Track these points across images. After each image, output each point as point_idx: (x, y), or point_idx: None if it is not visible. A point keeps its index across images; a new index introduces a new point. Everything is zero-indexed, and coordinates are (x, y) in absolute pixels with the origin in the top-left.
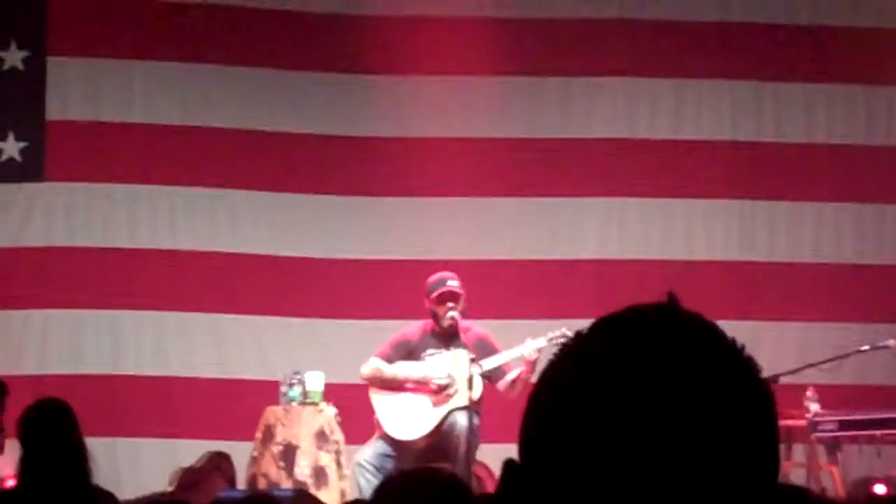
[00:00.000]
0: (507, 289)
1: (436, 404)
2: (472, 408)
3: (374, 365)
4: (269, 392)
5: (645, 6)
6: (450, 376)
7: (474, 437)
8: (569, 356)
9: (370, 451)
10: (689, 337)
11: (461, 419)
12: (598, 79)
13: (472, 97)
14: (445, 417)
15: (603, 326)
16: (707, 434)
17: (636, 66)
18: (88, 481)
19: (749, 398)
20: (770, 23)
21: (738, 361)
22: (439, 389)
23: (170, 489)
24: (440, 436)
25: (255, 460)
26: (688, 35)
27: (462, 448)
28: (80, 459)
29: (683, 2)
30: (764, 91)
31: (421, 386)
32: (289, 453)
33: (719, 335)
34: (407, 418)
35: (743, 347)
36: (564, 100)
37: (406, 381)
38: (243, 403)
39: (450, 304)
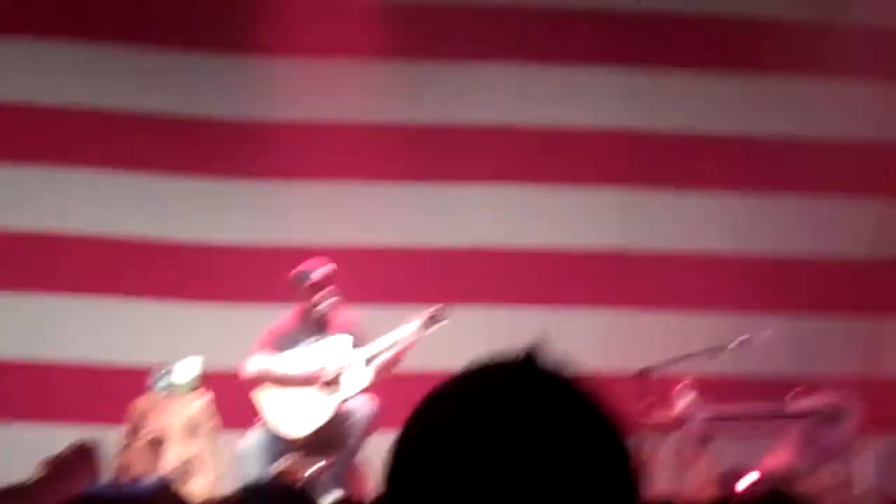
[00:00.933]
0: (387, 275)
1: (324, 394)
2: (362, 395)
3: (260, 363)
4: (141, 377)
5: None
6: (339, 366)
7: (369, 424)
8: (434, 405)
9: (255, 441)
10: (547, 393)
11: (353, 408)
12: (483, 65)
13: (354, 82)
14: (337, 408)
15: (466, 379)
16: (560, 486)
17: (521, 52)
18: None
19: (605, 453)
20: (652, 10)
21: (595, 418)
22: (331, 382)
23: (34, 479)
24: (331, 425)
25: (122, 451)
26: (574, 23)
27: (354, 437)
28: None
29: None
30: (648, 79)
31: (312, 380)
32: (156, 445)
33: (578, 390)
34: (296, 413)
35: (602, 402)
36: (449, 85)
37: (297, 378)
38: (117, 389)
39: (323, 292)
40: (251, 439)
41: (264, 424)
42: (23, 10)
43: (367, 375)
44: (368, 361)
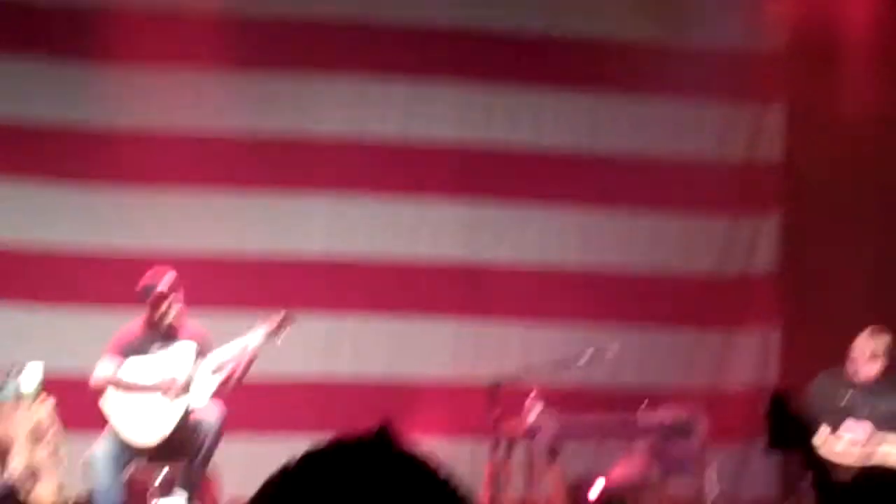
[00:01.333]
0: (230, 283)
1: (172, 401)
2: (209, 403)
3: (107, 372)
4: None
5: (379, 8)
6: (185, 374)
7: (219, 429)
8: (278, 489)
9: (105, 446)
10: (396, 472)
11: (207, 415)
12: (329, 77)
13: (200, 91)
14: (184, 415)
15: (311, 463)
16: None
17: (369, 65)
18: None
19: None
20: (500, 28)
21: (444, 492)
22: (178, 390)
23: None
24: (180, 431)
25: None
26: (420, 37)
27: (207, 443)
28: None
29: (415, 5)
30: (494, 95)
31: (159, 388)
32: (2, 451)
33: (428, 469)
34: (144, 421)
35: (454, 483)
36: (294, 97)
37: (143, 386)
38: None
39: (164, 305)
40: (99, 446)
41: (112, 431)
42: None
43: (213, 383)
44: (215, 369)
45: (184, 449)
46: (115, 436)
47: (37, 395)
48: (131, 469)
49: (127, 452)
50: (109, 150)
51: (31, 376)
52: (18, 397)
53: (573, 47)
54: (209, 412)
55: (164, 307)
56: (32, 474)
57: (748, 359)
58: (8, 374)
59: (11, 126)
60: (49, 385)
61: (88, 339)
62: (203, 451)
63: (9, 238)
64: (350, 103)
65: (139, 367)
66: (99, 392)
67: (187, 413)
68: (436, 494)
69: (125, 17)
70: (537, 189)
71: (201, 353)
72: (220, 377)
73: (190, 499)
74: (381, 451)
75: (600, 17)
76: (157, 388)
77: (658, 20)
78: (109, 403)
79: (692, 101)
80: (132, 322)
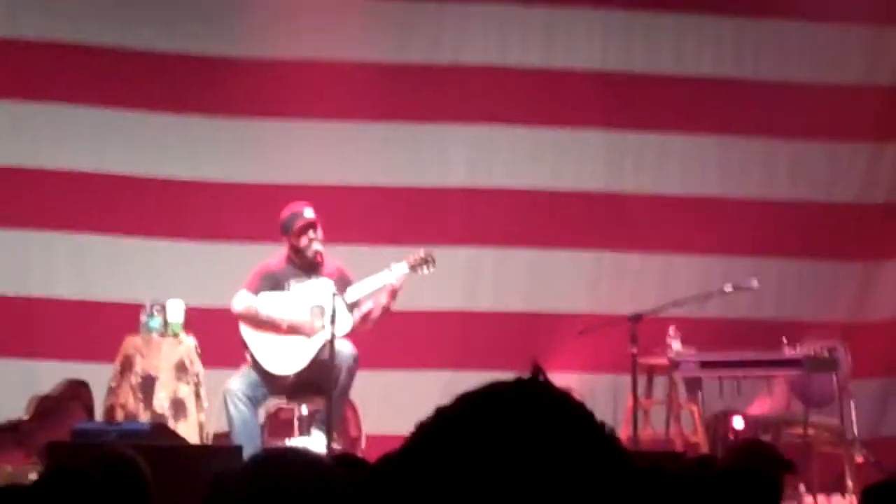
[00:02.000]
0: (375, 215)
1: (310, 335)
2: (345, 338)
3: (246, 301)
4: (130, 314)
5: None
6: (320, 311)
7: (354, 365)
8: (433, 432)
9: (241, 381)
10: (551, 415)
11: (344, 349)
12: (469, 5)
13: (341, 19)
14: (320, 350)
15: (465, 405)
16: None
17: None
18: None
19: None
20: None
21: (593, 433)
22: (317, 328)
23: (26, 417)
24: (315, 367)
25: (112, 391)
26: None
27: (343, 378)
28: None
29: None
30: (634, 21)
31: (296, 329)
32: (147, 385)
33: (584, 417)
34: (281, 353)
35: (610, 430)
36: (436, 25)
37: (282, 323)
38: (104, 326)
39: (311, 235)
40: (235, 381)
41: (248, 366)
42: None
43: (349, 319)
44: (352, 305)
45: (319, 385)
46: (252, 371)
47: (182, 328)
48: (270, 405)
49: (263, 388)
50: (249, 81)
51: (175, 312)
52: (163, 332)
53: None
54: (343, 349)
55: (304, 241)
56: (177, 409)
57: (891, 290)
58: (151, 310)
59: (151, 56)
60: (194, 319)
61: (227, 275)
62: (338, 388)
63: (146, 172)
64: (490, 32)
65: (278, 302)
66: (236, 322)
67: (323, 349)
68: (591, 438)
69: None
70: (679, 116)
71: (340, 288)
72: (357, 313)
73: (329, 436)
74: (535, 393)
75: None
76: (294, 327)
77: None
78: (247, 335)
79: (837, 24)
80: (272, 256)
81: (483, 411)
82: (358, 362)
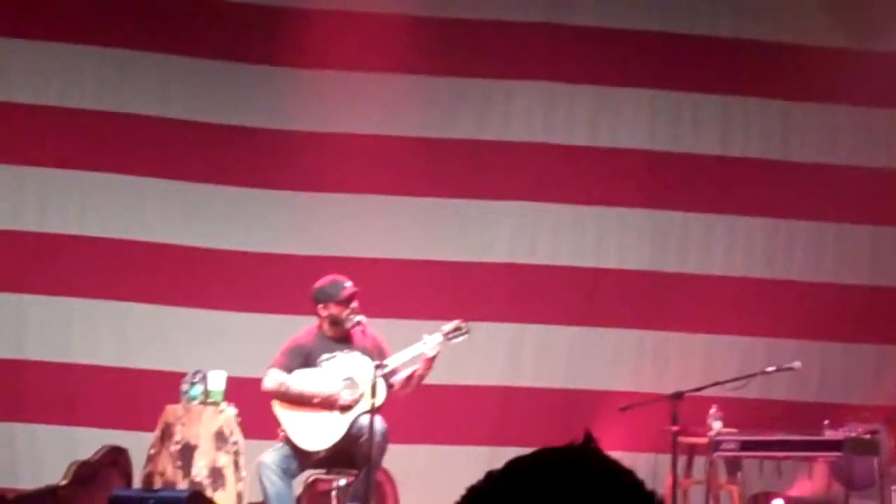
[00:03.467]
0: (416, 289)
1: (342, 412)
2: (377, 412)
3: (277, 379)
4: (170, 383)
5: (569, 12)
6: (352, 384)
7: (385, 441)
8: (484, 497)
9: (275, 454)
10: (603, 489)
11: (368, 424)
12: (517, 82)
13: (390, 95)
14: (352, 424)
15: (518, 469)
16: None
17: (556, 71)
18: None
19: None
20: (690, 34)
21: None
22: (346, 407)
23: (64, 482)
24: (347, 441)
25: (152, 458)
26: (608, 42)
27: (373, 453)
28: None
29: (606, 9)
30: (682, 101)
31: (328, 402)
32: (187, 453)
33: (635, 486)
34: (314, 429)
35: (660, 500)
36: (483, 102)
37: (313, 398)
38: (144, 394)
39: (353, 306)
40: (269, 454)
41: (284, 437)
42: (55, 14)
43: (383, 392)
44: (387, 377)
45: (352, 458)
46: (285, 444)
47: (222, 399)
48: (307, 476)
49: (296, 461)
50: (294, 154)
51: (216, 381)
52: (204, 400)
53: (761, 53)
54: (375, 421)
55: (347, 311)
56: (216, 478)
57: None
58: (193, 379)
59: (195, 126)
60: (230, 391)
61: (268, 346)
62: (369, 459)
63: (189, 242)
64: (536, 109)
65: (313, 383)
66: (269, 398)
67: (354, 422)
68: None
69: (309, 19)
70: (724, 197)
71: (376, 361)
72: (394, 384)
73: None
74: (587, 460)
75: (789, 23)
76: (325, 401)
77: (847, 26)
78: (280, 409)
79: (883, 108)
80: (300, 331)
81: (535, 477)
82: (387, 437)
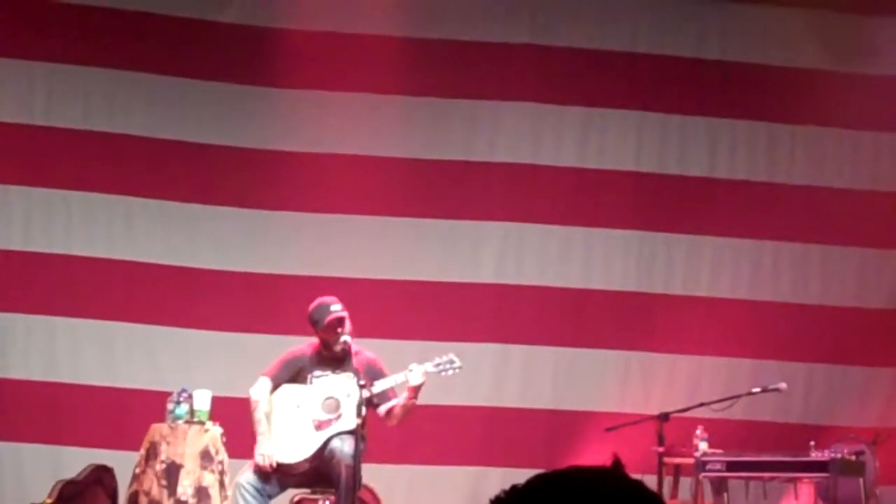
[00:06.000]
0: (402, 309)
1: (318, 428)
2: (357, 432)
3: (256, 395)
4: (157, 403)
5: (555, 33)
6: (334, 404)
7: (358, 463)
8: None
9: (250, 473)
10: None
11: (344, 445)
12: (504, 103)
13: (377, 115)
14: (327, 443)
15: (542, 488)
16: None
17: (543, 92)
18: None
19: None
20: (678, 55)
21: None
22: (331, 422)
23: (49, 501)
24: (322, 461)
25: (137, 477)
26: (595, 64)
27: (345, 474)
28: None
29: (593, 31)
30: (669, 123)
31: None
32: (172, 472)
33: (652, 498)
34: (287, 441)
35: None
36: (470, 122)
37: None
38: (131, 413)
39: (339, 330)
40: (248, 472)
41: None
42: (42, 33)
43: (360, 413)
44: (371, 400)
45: (329, 479)
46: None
47: (207, 418)
48: (294, 495)
49: (273, 480)
50: (282, 174)
51: (201, 400)
52: (190, 420)
53: (749, 75)
54: (343, 446)
55: (332, 335)
56: (201, 497)
57: None
58: (178, 398)
59: (184, 146)
60: (215, 411)
61: (255, 366)
62: (341, 484)
63: (177, 261)
64: (523, 130)
65: (296, 395)
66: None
67: (328, 442)
68: None
69: (297, 40)
70: (710, 219)
71: (367, 380)
72: (383, 408)
73: None
74: (613, 478)
75: (777, 46)
76: (309, 420)
77: (834, 49)
78: (254, 419)
79: (869, 131)
80: (302, 343)
81: (564, 492)
82: (360, 459)
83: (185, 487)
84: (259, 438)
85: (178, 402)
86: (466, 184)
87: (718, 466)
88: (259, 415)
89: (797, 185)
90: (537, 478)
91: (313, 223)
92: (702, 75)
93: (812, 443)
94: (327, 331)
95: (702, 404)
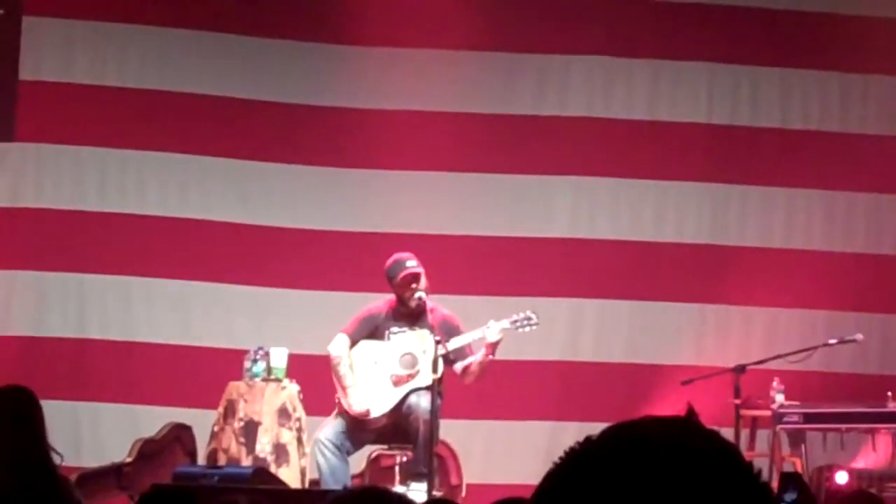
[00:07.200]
0: (475, 264)
1: (396, 384)
2: (434, 388)
3: (336, 351)
4: (232, 361)
5: None
6: (411, 359)
7: (436, 418)
8: (579, 465)
9: (329, 430)
10: (704, 462)
11: (421, 401)
12: (575, 57)
13: (447, 71)
14: (405, 398)
15: (617, 438)
16: None
17: (614, 45)
18: (50, 473)
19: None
20: (749, 6)
21: (752, 488)
22: (408, 378)
23: (129, 459)
24: (399, 416)
25: (215, 435)
26: (666, 16)
27: (422, 430)
28: (42, 451)
29: None
30: (741, 75)
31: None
32: (250, 429)
33: (735, 460)
34: (366, 395)
35: (759, 472)
36: (540, 77)
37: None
38: (207, 372)
39: (413, 286)
40: (327, 428)
41: (338, 411)
42: None
43: (437, 369)
44: (448, 357)
45: (406, 435)
46: (341, 416)
47: (284, 376)
48: (371, 451)
49: (352, 436)
50: (355, 131)
51: (278, 358)
52: (267, 377)
53: (820, 25)
54: (421, 402)
55: (408, 292)
56: (280, 454)
57: None
58: (255, 356)
59: (258, 105)
60: (292, 368)
61: (330, 323)
62: (419, 439)
63: (252, 220)
64: (594, 84)
65: (374, 351)
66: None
67: (406, 398)
68: (743, 479)
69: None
70: (783, 170)
71: (444, 336)
72: (459, 365)
73: (429, 484)
74: (689, 428)
75: None
76: (386, 375)
77: None
78: (339, 374)
79: None
80: (379, 300)
81: (636, 444)
82: (438, 415)
83: (263, 445)
84: (349, 391)
85: (255, 360)
86: (537, 138)
87: (795, 418)
88: (343, 369)
89: (870, 135)
90: (610, 429)
91: (385, 179)
92: (773, 26)
93: (889, 393)
94: (402, 287)
95: (778, 356)
